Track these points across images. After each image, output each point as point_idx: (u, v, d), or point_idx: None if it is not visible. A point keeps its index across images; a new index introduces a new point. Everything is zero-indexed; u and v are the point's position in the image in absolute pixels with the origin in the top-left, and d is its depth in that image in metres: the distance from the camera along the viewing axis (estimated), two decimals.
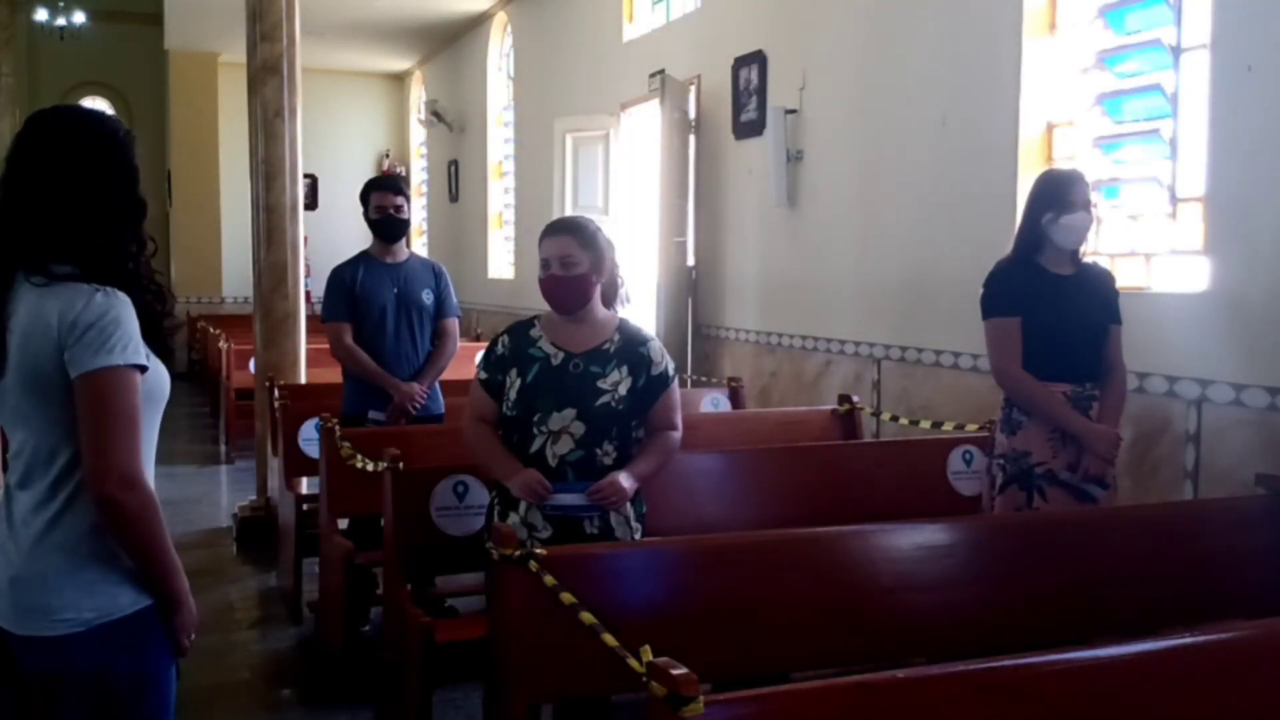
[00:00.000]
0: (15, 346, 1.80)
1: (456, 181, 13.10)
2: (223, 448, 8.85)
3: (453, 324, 4.74)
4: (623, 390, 2.84)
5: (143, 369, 1.80)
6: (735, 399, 5.56)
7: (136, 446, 1.78)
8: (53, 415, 1.79)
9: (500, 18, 11.57)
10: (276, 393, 5.22)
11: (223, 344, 9.42)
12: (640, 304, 7.76)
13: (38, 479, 1.83)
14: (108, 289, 1.80)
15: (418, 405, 4.53)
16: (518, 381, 2.85)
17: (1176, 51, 4.14)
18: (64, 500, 1.81)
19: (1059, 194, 3.35)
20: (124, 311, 1.80)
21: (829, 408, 4.81)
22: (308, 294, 7.15)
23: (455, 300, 4.81)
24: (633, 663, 1.79)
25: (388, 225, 4.63)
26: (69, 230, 1.82)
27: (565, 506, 2.80)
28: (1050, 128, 4.72)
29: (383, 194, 4.64)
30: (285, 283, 6.03)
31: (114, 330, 1.76)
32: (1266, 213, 3.68)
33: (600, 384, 2.83)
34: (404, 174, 14.98)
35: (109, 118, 2.01)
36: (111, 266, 1.84)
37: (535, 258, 2.94)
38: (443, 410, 4.73)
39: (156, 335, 1.90)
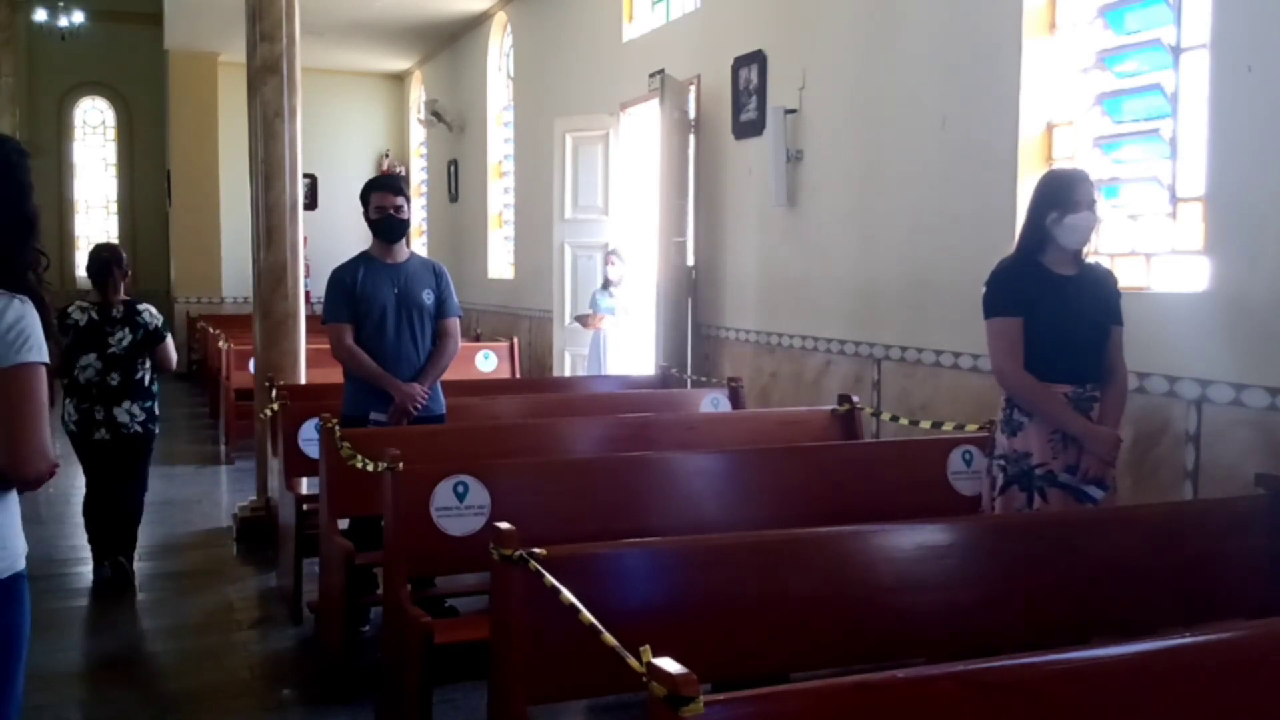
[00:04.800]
0: None
1: (456, 181, 13.10)
2: (223, 448, 8.85)
3: (454, 324, 4.74)
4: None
5: (47, 365, 2.04)
6: (735, 399, 5.56)
7: (48, 430, 2.03)
8: None
9: (500, 18, 11.57)
10: (276, 393, 5.23)
11: (223, 344, 9.43)
12: (640, 304, 7.79)
13: None
14: (21, 296, 2.03)
15: (419, 406, 4.53)
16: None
17: (1176, 51, 4.14)
18: None
19: (1064, 194, 3.34)
20: (34, 317, 2.03)
21: (829, 408, 4.81)
22: (308, 294, 7.15)
23: (456, 300, 4.81)
24: (633, 663, 1.79)
25: (388, 226, 4.62)
26: None
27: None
28: (1050, 128, 4.72)
29: (383, 194, 4.64)
30: (285, 283, 6.03)
31: (31, 332, 2.01)
32: (1267, 213, 3.68)
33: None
34: (404, 174, 14.98)
35: (6, 140, 2.18)
36: (22, 277, 2.07)
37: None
38: (444, 410, 4.73)
39: (47, 338, 2.09)
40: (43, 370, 2.02)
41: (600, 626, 2.09)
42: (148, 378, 5.31)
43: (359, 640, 4.20)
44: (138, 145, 17.26)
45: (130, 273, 5.50)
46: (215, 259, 14.29)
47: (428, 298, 4.62)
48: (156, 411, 5.41)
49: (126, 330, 5.21)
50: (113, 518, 5.39)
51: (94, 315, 5.21)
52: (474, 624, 3.37)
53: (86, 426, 5.20)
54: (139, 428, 5.26)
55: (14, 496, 2.08)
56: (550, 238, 8.90)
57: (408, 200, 4.70)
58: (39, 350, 2.02)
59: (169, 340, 5.36)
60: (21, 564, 2.10)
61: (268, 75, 5.93)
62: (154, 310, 5.39)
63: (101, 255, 5.32)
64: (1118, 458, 3.37)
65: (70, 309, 5.21)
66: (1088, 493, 3.30)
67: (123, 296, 5.29)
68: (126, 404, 5.22)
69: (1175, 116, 4.16)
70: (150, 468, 5.57)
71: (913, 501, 3.80)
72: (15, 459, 1.96)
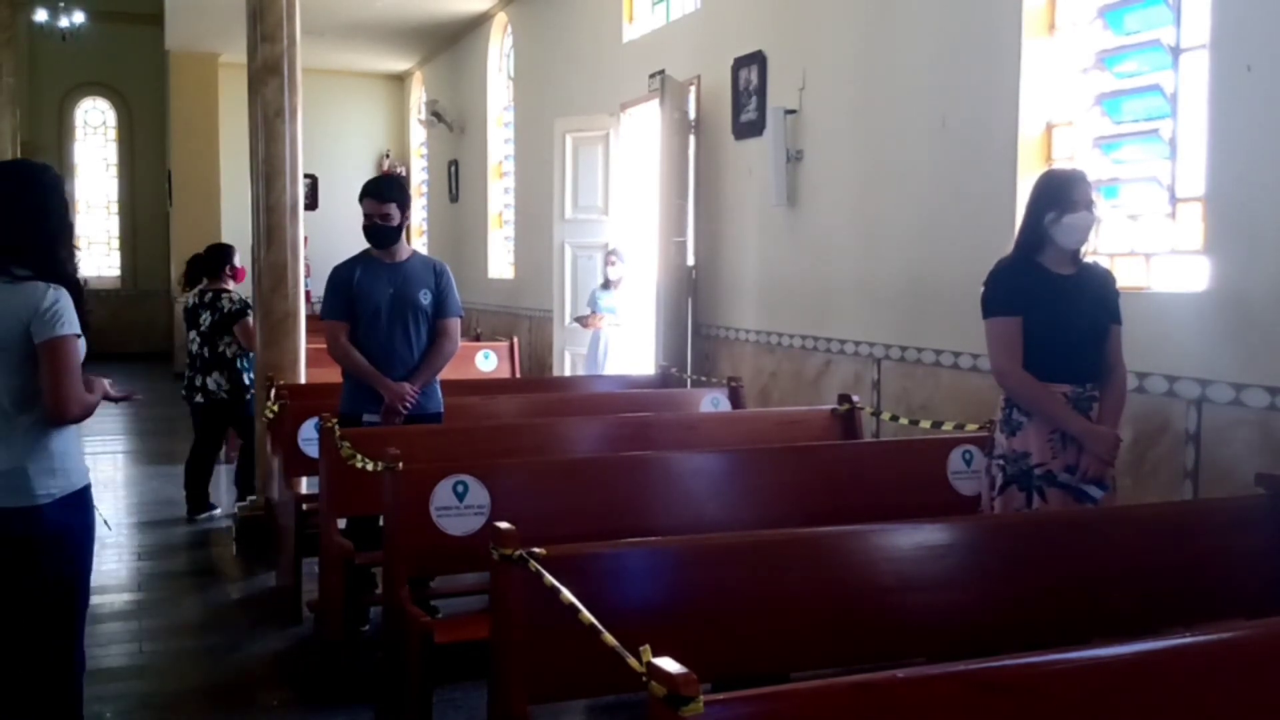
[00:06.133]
0: None
1: (456, 181, 13.10)
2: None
3: (453, 324, 4.70)
4: None
5: (79, 336, 2.74)
6: (735, 399, 5.56)
7: (81, 384, 2.75)
8: (13, 366, 2.70)
9: (500, 18, 11.57)
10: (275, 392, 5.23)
11: None
12: (640, 303, 7.79)
13: (8, 407, 2.74)
14: (56, 285, 2.72)
15: (408, 405, 4.50)
16: None
17: (1176, 51, 4.15)
18: (32, 419, 2.72)
19: (1062, 193, 3.34)
20: (68, 299, 2.74)
21: (829, 408, 4.81)
22: (308, 294, 7.14)
23: (458, 300, 4.78)
24: (633, 663, 1.79)
25: (374, 233, 4.61)
26: (29, 247, 2.75)
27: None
28: (1050, 128, 4.72)
29: (370, 202, 4.59)
30: (285, 283, 6.02)
31: (65, 312, 2.71)
32: (1266, 213, 3.68)
33: None
34: (404, 174, 14.97)
35: (48, 167, 2.94)
36: (57, 271, 2.76)
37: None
38: (440, 409, 4.71)
39: (80, 317, 2.78)
40: (73, 339, 2.71)
41: (600, 626, 2.09)
42: (229, 352, 6.60)
43: (359, 640, 4.20)
44: (138, 145, 17.24)
45: (231, 266, 6.78)
46: None
47: (424, 297, 4.60)
48: (245, 381, 6.61)
49: (209, 313, 6.64)
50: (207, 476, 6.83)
51: (195, 300, 6.76)
52: (474, 624, 3.37)
53: (188, 393, 6.69)
54: (224, 395, 6.60)
55: (74, 430, 2.81)
56: (550, 238, 8.90)
57: (400, 204, 4.60)
58: (72, 325, 2.72)
59: (248, 320, 6.49)
60: (89, 477, 2.86)
61: (268, 75, 5.92)
62: (234, 296, 6.69)
63: (196, 255, 6.93)
64: (1117, 457, 3.37)
65: (189, 295, 6.97)
66: (1087, 492, 3.30)
67: (223, 286, 6.69)
68: (215, 374, 6.60)
69: (1175, 117, 4.16)
70: (215, 437, 6.89)
71: (912, 501, 3.79)
72: (56, 402, 2.69)
